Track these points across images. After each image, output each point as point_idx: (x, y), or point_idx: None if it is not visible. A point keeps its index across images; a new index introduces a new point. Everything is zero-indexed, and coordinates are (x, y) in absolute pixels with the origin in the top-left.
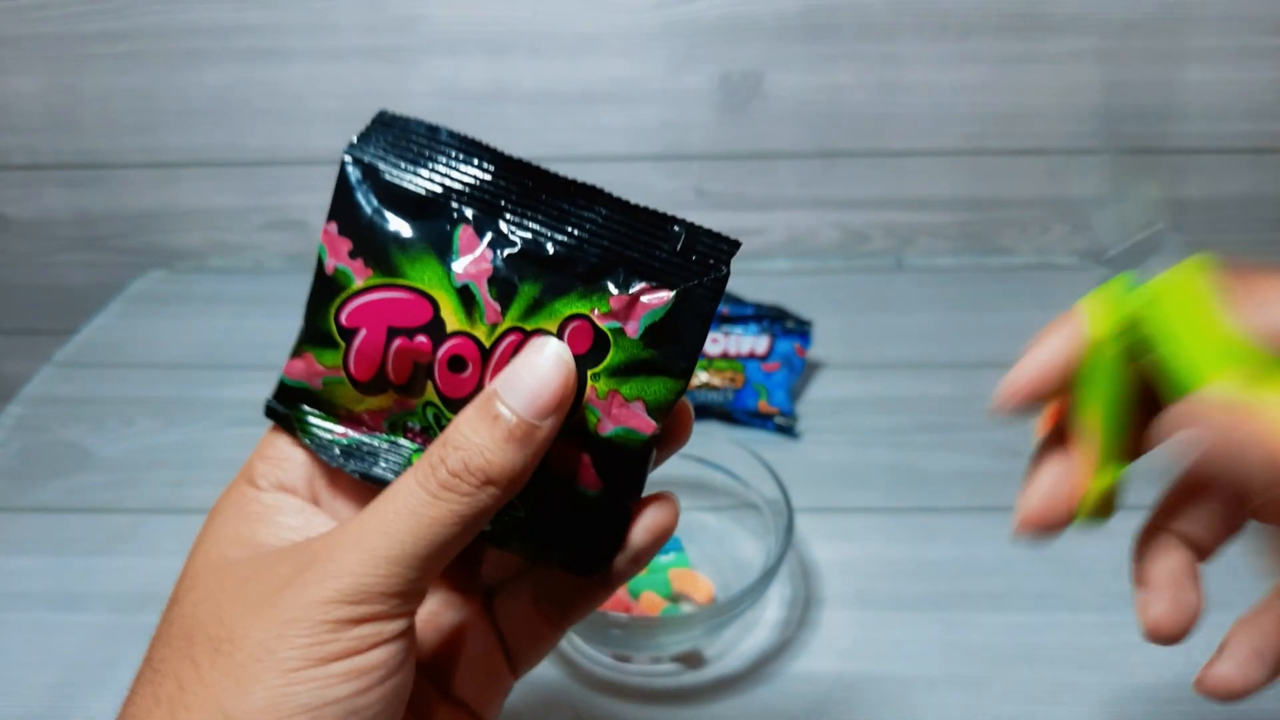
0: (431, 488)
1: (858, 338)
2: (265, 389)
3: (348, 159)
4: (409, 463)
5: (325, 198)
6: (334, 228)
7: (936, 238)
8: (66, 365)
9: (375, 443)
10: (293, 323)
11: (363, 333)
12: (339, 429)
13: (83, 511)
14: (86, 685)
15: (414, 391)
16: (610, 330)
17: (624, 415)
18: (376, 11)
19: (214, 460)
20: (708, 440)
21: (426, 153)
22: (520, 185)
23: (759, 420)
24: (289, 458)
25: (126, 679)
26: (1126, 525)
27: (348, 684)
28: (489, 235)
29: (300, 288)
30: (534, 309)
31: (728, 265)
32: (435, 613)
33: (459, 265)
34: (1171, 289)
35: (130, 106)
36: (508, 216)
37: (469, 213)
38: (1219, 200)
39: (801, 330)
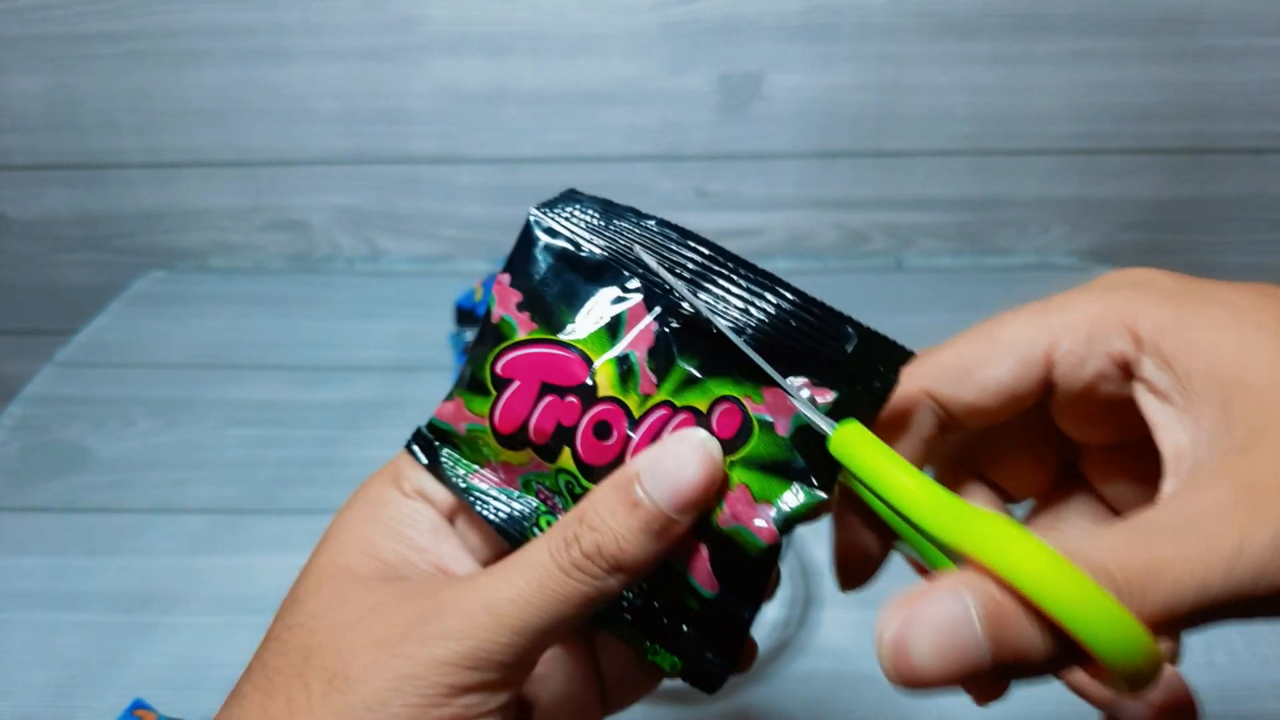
0: (564, 564)
1: None
2: (265, 388)
3: (533, 216)
4: (534, 522)
5: (326, 197)
6: (507, 279)
7: (936, 238)
8: (67, 365)
9: (504, 495)
10: (292, 322)
11: (515, 384)
12: (474, 475)
13: (83, 511)
14: (87, 685)
15: (551, 455)
16: (759, 421)
17: (747, 514)
18: (376, 12)
19: (214, 460)
20: None
21: (607, 223)
22: (696, 261)
23: None
24: (415, 509)
25: (127, 678)
26: None
27: None
28: (657, 308)
29: (300, 287)
30: (688, 385)
31: (896, 374)
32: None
33: (623, 333)
34: (848, 442)
35: (131, 106)
36: (677, 291)
37: (640, 283)
38: (1218, 200)
39: None
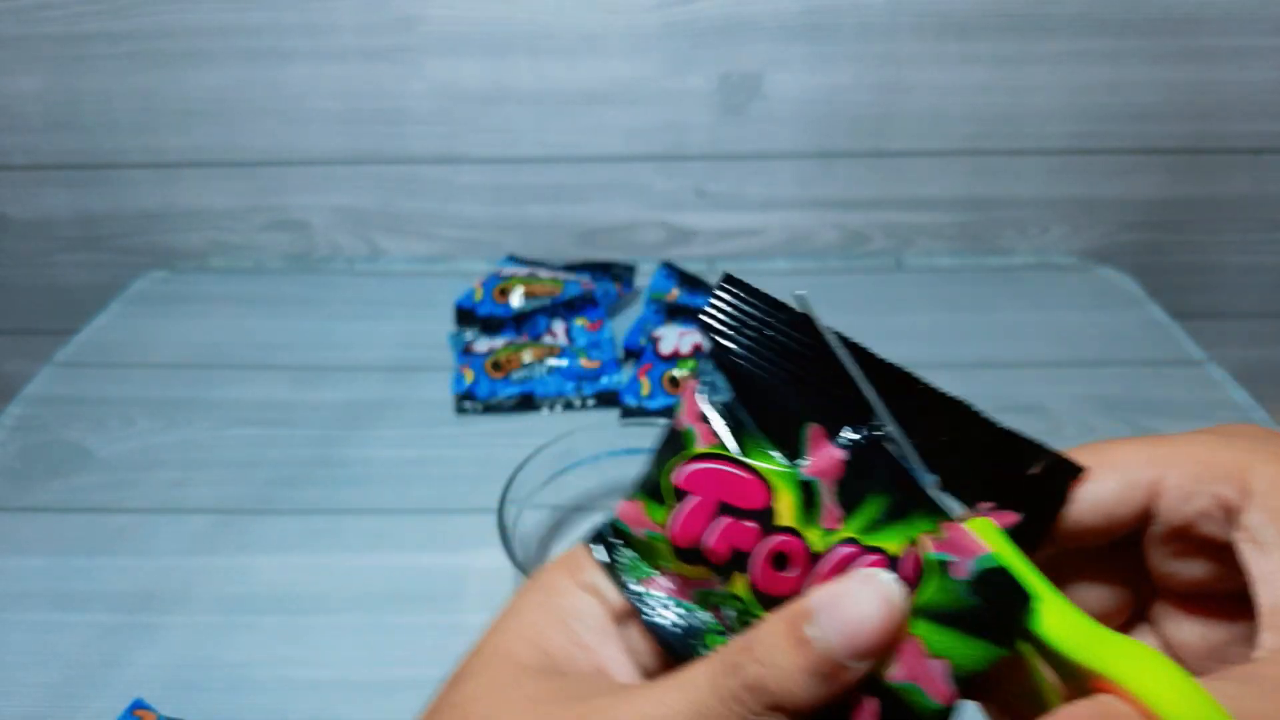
0: (722, 693)
1: (857, 338)
2: (265, 389)
3: (709, 327)
4: (702, 639)
5: (326, 197)
6: (694, 385)
7: (936, 238)
8: (67, 365)
9: (676, 606)
10: (292, 322)
11: (694, 499)
12: (648, 581)
13: (83, 511)
14: (87, 685)
15: (726, 577)
16: (935, 561)
17: (919, 670)
18: (376, 12)
19: (214, 460)
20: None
21: (775, 334)
22: (878, 383)
23: None
24: (587, 604)
25: (127, 678)
26: None
27: None
28: (839, 435)
29: (300, 287)
30: (877, 525)
31: (1064, 493)
32: None
33: (806, 459)
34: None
35: (131, 106)
36: (860, 418)
37: (819, 406)
38: (1218, 200)
39: None
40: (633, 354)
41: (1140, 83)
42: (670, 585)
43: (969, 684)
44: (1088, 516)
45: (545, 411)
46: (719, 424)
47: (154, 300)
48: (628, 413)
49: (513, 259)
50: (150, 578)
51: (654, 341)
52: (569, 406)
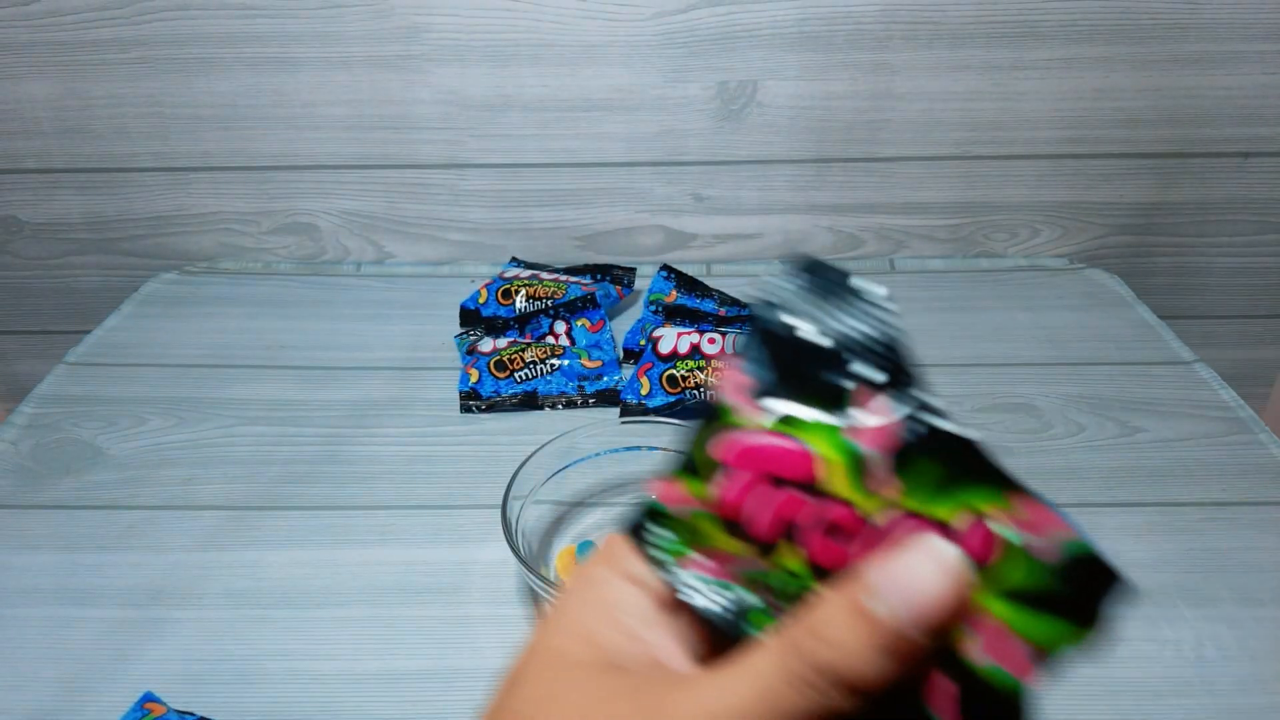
0: (791, 677)
1: None
2: (274, 389)
3: (763, 298)
4: (747, 617)
5: (334, 201)
6: (737, 363)
7: (928, 241)
8: (79, 365)
9: (718, 586)
10: (301, 323)
11: (736, 472)
12: (688, 562)
13: (94, 508)
14: (97, 679)
15: (774, 551)
16: (1015, 540)
17: (1004, 652)
18: (383, 21)
19: (224, 458)
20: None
21: (840, 304)
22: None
23: None
24: (634, 595)
25: (137, 673)
26: (1124, 521)
27: None
28: (894, 401)
29: (309, 290)
30: (935, 492)
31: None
32: None
33: (857, 427)
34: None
35: (142, 112)
36: (916, 385)
37: (875, 374)
38: (1206, 204)
39: None
40: (632, 354)
41: (1128, 88)
42: (711, 565)
43: (1052, 666)
44: None
45: (547, 410)
46: (762, 397)
47: (165, 301)
48: (627, 411)
49: (516, 262)
50: (160, 573)
51: (653, 342)
52: (570, 405)
